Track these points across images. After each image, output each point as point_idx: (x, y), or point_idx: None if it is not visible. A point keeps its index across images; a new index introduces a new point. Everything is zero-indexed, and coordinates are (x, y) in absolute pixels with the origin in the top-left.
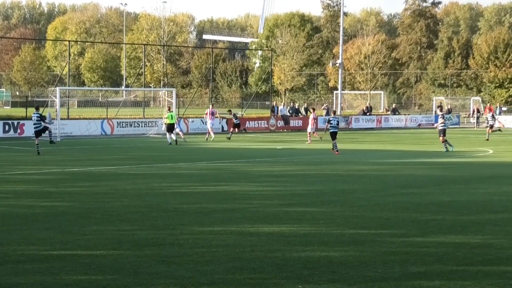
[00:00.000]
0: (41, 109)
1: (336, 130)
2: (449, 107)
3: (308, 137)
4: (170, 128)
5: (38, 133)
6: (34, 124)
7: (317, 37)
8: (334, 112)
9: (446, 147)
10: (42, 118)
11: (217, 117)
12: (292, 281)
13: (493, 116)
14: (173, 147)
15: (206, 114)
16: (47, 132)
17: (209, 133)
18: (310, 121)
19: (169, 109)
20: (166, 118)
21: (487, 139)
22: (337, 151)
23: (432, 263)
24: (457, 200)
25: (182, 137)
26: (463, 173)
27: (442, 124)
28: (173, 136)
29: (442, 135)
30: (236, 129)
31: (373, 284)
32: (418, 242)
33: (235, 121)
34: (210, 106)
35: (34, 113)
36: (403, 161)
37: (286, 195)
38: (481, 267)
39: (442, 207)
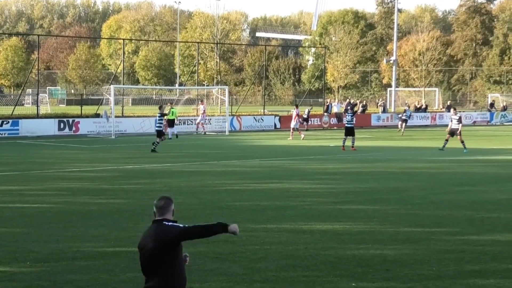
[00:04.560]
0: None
1: (352, 125)
2: (504, 104)
3: (291, 133)
4: (171, 123)
5: (159, 133)
6: (156, 123)
7: (371, 34)
8: (352, 108)
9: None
10: (163, 115)
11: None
12: (346, 279)
13: None
14: (223, 144)
15: (202, 112)
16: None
17: (198, 127)
18: (293, 117)
19: (171, 105)
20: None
21: None
22: (348, 147)
23: (487, 261)
24: None
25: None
26: None
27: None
28: (174, 131)
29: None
30: (305, 122)
31: (427, 283)
32: (473, 240)
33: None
34: (199, 102)
35: (158, 113)
36: (458, 159)
37: (340, 193)
38: None
39: (497, 205)
